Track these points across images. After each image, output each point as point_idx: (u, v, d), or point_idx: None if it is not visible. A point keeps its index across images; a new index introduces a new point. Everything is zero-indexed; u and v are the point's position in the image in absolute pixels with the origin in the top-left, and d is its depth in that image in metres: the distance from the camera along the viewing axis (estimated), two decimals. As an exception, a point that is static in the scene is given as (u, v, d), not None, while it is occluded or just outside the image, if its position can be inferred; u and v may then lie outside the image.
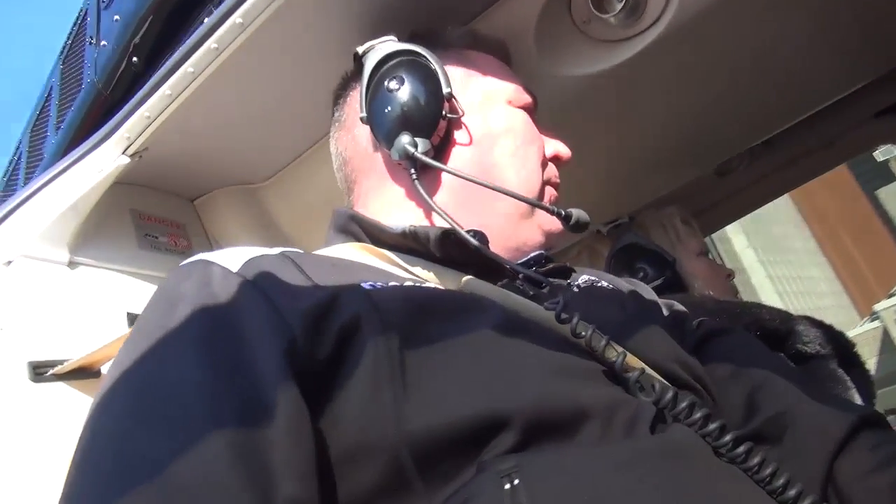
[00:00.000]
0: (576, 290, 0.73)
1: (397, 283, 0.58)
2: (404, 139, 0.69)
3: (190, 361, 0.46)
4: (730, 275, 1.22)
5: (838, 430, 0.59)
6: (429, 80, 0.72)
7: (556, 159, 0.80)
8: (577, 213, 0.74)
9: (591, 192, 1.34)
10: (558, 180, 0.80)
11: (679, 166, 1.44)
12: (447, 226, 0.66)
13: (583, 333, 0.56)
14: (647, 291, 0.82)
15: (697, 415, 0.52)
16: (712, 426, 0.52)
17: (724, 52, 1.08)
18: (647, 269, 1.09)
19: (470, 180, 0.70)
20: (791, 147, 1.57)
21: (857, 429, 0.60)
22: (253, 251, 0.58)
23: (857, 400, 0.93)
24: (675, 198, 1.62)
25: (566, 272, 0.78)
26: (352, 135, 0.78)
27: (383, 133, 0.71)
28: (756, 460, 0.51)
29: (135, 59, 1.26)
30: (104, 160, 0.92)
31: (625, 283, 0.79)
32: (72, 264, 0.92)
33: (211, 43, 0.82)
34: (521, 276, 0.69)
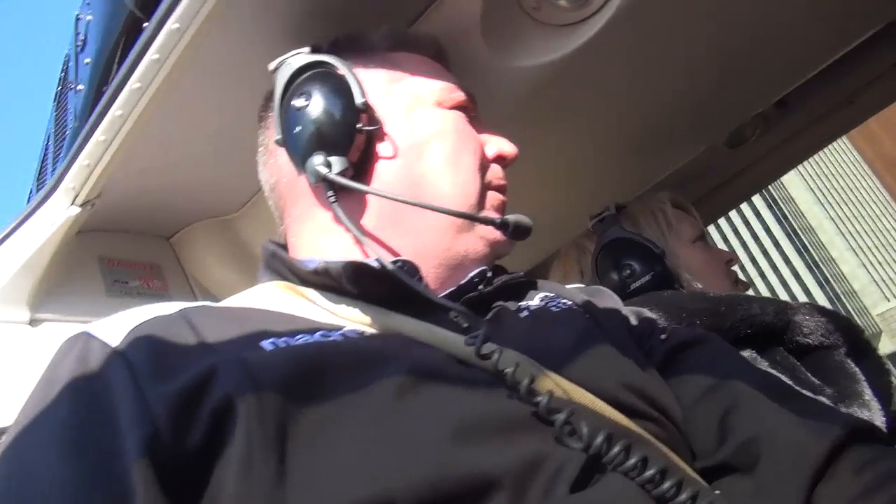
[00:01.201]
0: (526, 313, 0.66)
1: (305, 336, 0.53)
2: (316, 160, 0.64)
3: (55, 459, 0.43)
4: (730, 260, 1.13)
5: (817, 453, 0.52)
6: (339, 93, 0.66)
7: (499, 159, 0.73)
8: (515, 219, 0.67)
9: (581, 183, 1.27)
10: (503, 181, 0.73)
11: (681, 143, 1.34)
12: (358, 258, 0.61)
13: (506, 371, 0.50)
14: (610, 301, 0.75)
15: (633, 459, 0.46)
16: (649, 472, 0.45)
17: (708, 11, 0.98)
18: (633, 266, 1.01)
19: (388, 198, 0.65)
20: (807, 108, 1.44)
21: (841, 447, 0.52)
22: (145, 315, 0.54)
23: (867, 394, 0.83)
24: (686, 177, 1.53)
25: (524, 287, 0.72)
26: (274, 159, 0.73)
27: (297, 155, 0.66)
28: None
29: (105, 102, 1.26)
30: (54, 213, 0.90)
31: (583, 296, 0.72)
32: (34, 322, 0.91)
33: (133, 83, 0.79)
34: (463, 301, 0.63)
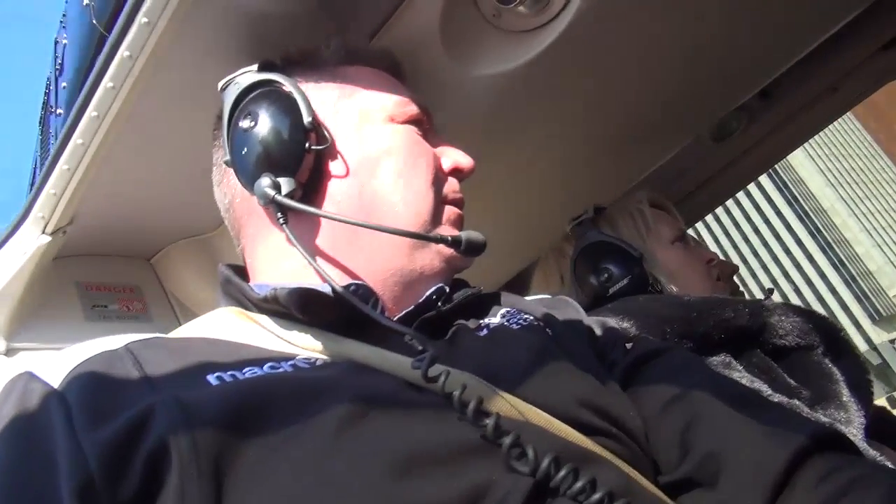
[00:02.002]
0: (485, 331, 0.65)
1: (252, 368, 0.53)
2: (264, 182, 0.63)
3: None
4: (710, 260, 1.11)
5: (776, 466, 0.51)
6: (286, 112, 0.65)
7: (456, 171, 0.73)
8: (467, 235, 0.66)
9: (561, 186, 1.26)
10: (459, 195, 0.72)
11: (662, 139, 1.33)
12: (313, 281, 0.61)
13: (454, 394, 0.49)
14: (573, 313, 0.74)
15: (581, 482, 0.45)
16: (597, 495, 0.45)
17: (677, 4, 0.96)
18: (611, 269, 0.99)
19: (336, 219, 0.64)
20: (791, 97, 1.42)
21: (801, 458, 0.51)
22: (90, 351, 0.54)
23: (845, 394, 0.81)
24: (672, 173, 1.51)
25: (486, 302, 0.71)
26: (227, 179, 0.72)
27: (245, 177, 0.66)
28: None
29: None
30: (25, 242, 0.90)
31: (544, 309, 0.71)
32: (10, 351, 0.92)
33: (91, 112, 0.79)
34: (418, 322, 0.63)
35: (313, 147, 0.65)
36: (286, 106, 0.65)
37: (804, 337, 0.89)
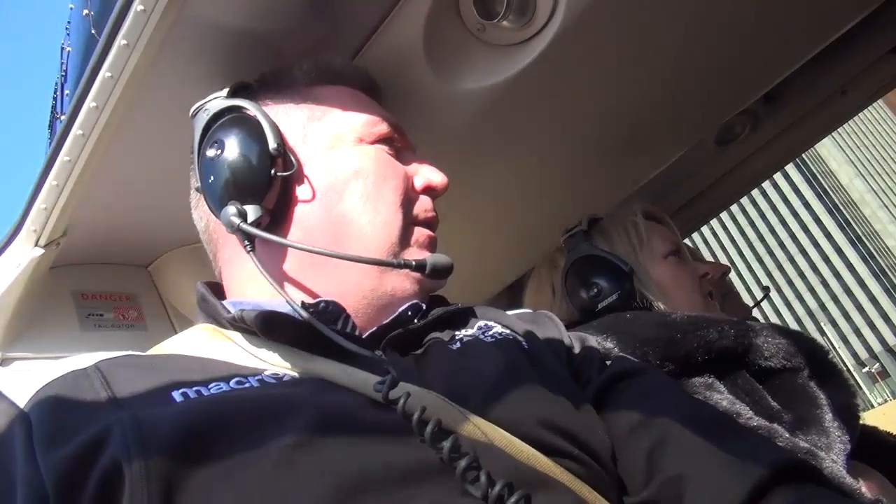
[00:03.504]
0: (458, 345, 0.65)
1: (218, 384, 0.54)
2: (230, 210, 0.63)
3: None
4: (704, 274, 1.09)
5: (736, 497, 0.50)
6: (252, 139, 0.65)
7: (428, 190, 0.72)
8: (433, 260, 0.66)
9: (556, 196, 1.25)
10: (432, 214, 0.72)
11: (662, 146, 1.31)
12: (284, 301, 0.61)
13: (413, 417, 0.50)
14: (553, 329, 0.73)
15: None
16: None
17: (673, 6, 0.93)
18: (601, 284, 0.98)
19: (298, 248, 0.64)
20: (797, 101, 1.39)
21: (764, 488, 0.51)
22: (59, 370, 0.55)
23: (827, 419, 0.80)
24: (673, 179, 1.49)
25: (459, 318, 0.71)
26: (201, 204, 0.73)
27: (214, 204, 0.67)
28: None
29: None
30: (19, 254, 0.92)
31: (525, 325, 0.71)
32: (5, 361, 0.94)
33: (76, 130, 0.81)
34: (388, 339, 0.63)
35: (279, 173, 0.65)
36: (252, 133, 0.66)
37: (790, 359, 0.88)
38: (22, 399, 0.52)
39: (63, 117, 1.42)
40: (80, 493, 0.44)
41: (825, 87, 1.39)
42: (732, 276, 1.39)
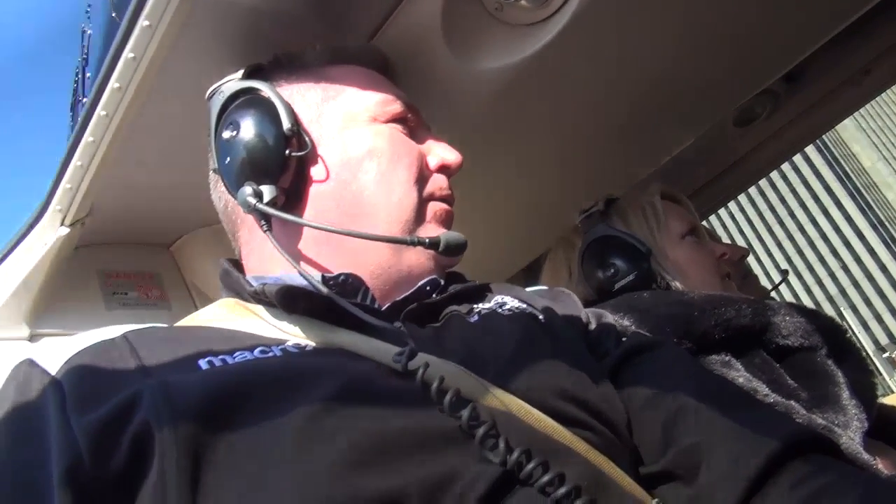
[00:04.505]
0: (476, 318, 0.66)
1: (243, 353, 0.55)
2: (246, 191, 0.65)
3: None
4: (722, 255, 1.09)
5: (752, 467, 0.51)
6: (267, 120, 0.67)
7: (443, 168, 0.73)
8: (446, 237, 0.66)
9: (573, 176, 1.24)
10: (447, 191, 0.73)
11: (680, 127, 1.30)
12: (292, 280, 0.63)
13: (432, 386, 0.51)
14: (571, 305, 0.74)
15: (549, 475, 0.46)
16: (563, 489, 0.46)
17: None
18: (618, 265, 0.99)
19: (313, 227, 0.66)
20: (819, 80, 1.37)
21: (780, 461, 0.51)
22: (89, 340, 0.57)
23: (844, 397, 0.80)
24: (691, 161, 1.48)
25: (477, 294, 0.72)
26: (219, 185, 0.75)
27: (230, 185, 0.68)
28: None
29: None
30: (46, 234, 0.94)
31: (544, 301, 0.72)
32: (33, 337, 0.96)
33: (100, 111, 0.82)
34: (407, 311, 0.64)
35: (294, 154, 0.66)
36: (266, 114, 0.67)
37: (808, 337, 0.88)
38: (54, 367, 0.54)
39: (85, 100, 1.44)
40: (113, 453, 0.46)
41: (848, 67, 1.36)
42: (751, 259, 1.38)
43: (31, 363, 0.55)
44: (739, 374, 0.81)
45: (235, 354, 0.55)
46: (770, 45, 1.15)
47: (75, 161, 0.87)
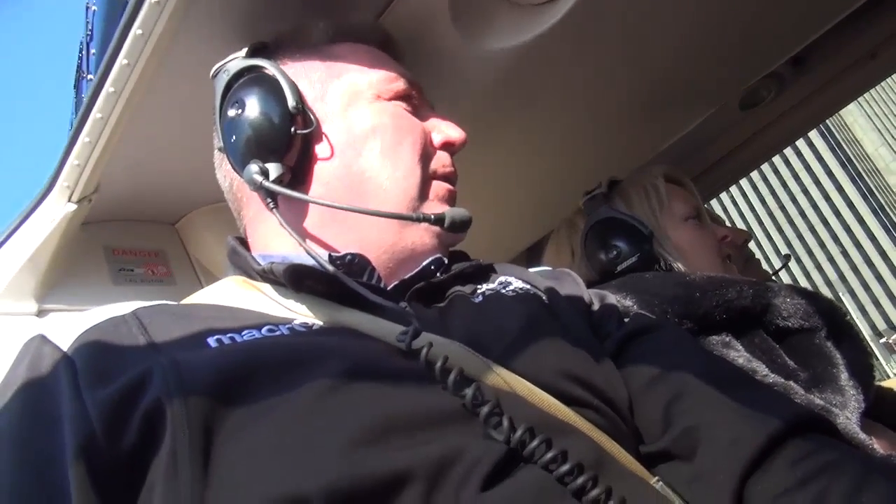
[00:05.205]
0: (480, 298, 0.67)
1: (251, 332, 0.56)
2: (252, 168, 0.65)
3: (5, 461, 0.47)
4: (724, 237, 1.10)
5: (752, 445, 0.52)
6: (271, 98, 0.67)
7: (447, 146, 0.73)
8: (451, 213, 0.67)
9: (578, 158, 1.25)
10: (450, 169, 0.73)
11: (686, 109, 1.30)
12: (299, 259, 0.63)
13: (435, 365, 0.51)
14: (574, 286, 0.74)
15: (552, 453, 0.47)
16: (566, 466, 0.47)
17: None
18: (620, 247, 0.99)
19: (319, 204, 0.66)
20: (825, 63, 1.36)
21: (779, 439, 0.52)
22: (99, 317, 0.57)
23: (843, 378, 0.81)
24: (696, 143, 1.48)
25: (481, 274, 0.73)
26: (224, 164, 0.75)
27: (236, 164, 0.68)
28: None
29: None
30: (53, 210, 0.95)
31: (547, 282, 0.72)
32: (41, 312, 0.97)
33: (108, 87, 0.82)
34: (412, 291, 0.65)
35: (299, 131, 0.67)
36: (271, 92, 0.67)
37: (808, 319, 0.89)
38: (65, 343, 0.54)
39: (90, 76, 1.44)
40: (126, 428, 0.47)
41: (854, 50, 1.36)
42: (752, 244, 1.39)
43: (42, 339, 0.55)
44: (739, 355, 0.82)
45: (244, 332, 0.55)
46: (777, 29, 1.15)
47: (83, 137, 0.87)
